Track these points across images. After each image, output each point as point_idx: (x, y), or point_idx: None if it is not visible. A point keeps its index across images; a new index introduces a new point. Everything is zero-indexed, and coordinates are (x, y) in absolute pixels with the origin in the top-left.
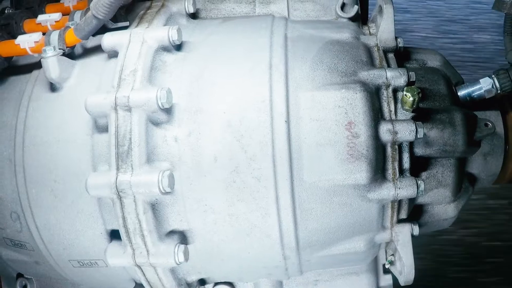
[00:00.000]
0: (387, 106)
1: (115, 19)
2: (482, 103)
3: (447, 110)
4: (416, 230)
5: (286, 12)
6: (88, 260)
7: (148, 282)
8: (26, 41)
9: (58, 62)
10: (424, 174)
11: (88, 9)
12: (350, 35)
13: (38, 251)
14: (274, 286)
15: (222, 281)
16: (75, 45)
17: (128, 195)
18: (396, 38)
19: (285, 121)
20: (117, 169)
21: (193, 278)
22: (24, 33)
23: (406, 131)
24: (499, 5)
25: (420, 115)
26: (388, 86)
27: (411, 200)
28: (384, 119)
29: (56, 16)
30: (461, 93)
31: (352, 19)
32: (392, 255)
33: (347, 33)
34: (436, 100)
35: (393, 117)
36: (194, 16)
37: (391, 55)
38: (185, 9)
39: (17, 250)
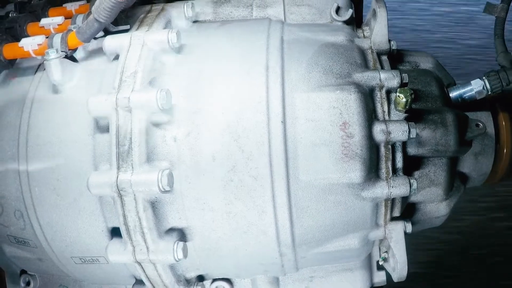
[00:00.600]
0: (381, 107)
1: (116, 22)
2: (473, 104)
3: (439, 111)
4: (409, 227)
5: (283, 15)
6: (89, 257)
7: (148, 278)
8: (29, 44)
9: (60, 64)
10: (416, 173)
11: (90, 12)
12: (345, 38)
13: (41, 248)
14: (270, 282)
15: (220, 277)
16: (77, 47)
17: (128, 194)
18: (389, 41)
19: (281, 122)
20: (118, 168)
21: (191, 274)
22: (27, 36)
23: (399, 131)
24: (489, 9)
25: (413, 115)
26: (381, 87)
27: (404, 199)
28: (378, 120)
29: (59, 19)
30: (453, 94)
31: (346, 22)
32: (386, 252)
33: (341, 36)
34: (428, 101)
35: (387, 117)
36: (193, 19)
37: (384, 58)
38: (184, 12)
39: (21, 247)
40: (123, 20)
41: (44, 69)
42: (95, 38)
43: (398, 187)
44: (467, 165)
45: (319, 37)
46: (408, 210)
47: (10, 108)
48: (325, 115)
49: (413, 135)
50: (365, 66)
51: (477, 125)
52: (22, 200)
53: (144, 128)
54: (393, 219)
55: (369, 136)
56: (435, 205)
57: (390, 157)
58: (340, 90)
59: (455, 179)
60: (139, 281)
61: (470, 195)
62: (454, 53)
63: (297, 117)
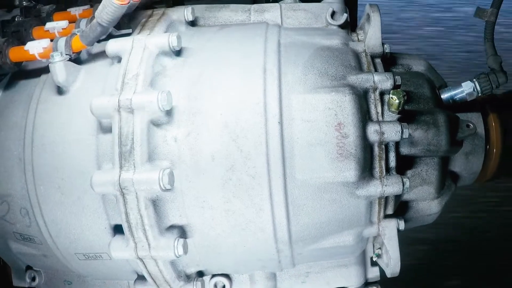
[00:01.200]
0: (375, 108)
1: (118, 26)
2: (464, 105)
3: (431, 112)
4: (401, 225)
5: (280, 20)
6: (93, 253)
7: (150, 274)
8: (35, 47)
9: (65, 67)
10: (409, 172)
11: (93, 17)
12: (340, 41)
13: (46, 245)
14: (268, 278)
15: (219, 273)
16: (81, 51)
17: (130, 192)
18: (383, 44)
19: (278, 122)
20: (120, 167)
21: (192, 270)
22: (33, 39)
23: (392, 132)
24: (480, 14)
25: (406, 116)
26: (375, 89)
27: (397, 197)
28: (372, 120)
29: (63, 23)
30: (444, 96)
31: (341, 26)
32: (379, 248)
33: (336, 39)
34: (420, 102)
35: (380, 118)
36: (193, 23)
37: (378, 60)
38: (185, 17)
39: (26, 244)
40: (125, 24)
41: (49, 72)
42: (98, 42)
43: (391, 186)
44: (458, 165)
45: (315, 40)
46: (401, 208)
47: (16, 108)
48: (320, 116)
49: (405, 135)
50: (360, 68)
51: (468, 126)
52: (28, 198)
53: (145, 128)
54: (386, 216)
55: (363, 136)
56: (427, 203)
57: (384, 156)
58: (335, 92)
59: (447, 178)
60: (141, 277)
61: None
62: None
63: (293, 118)
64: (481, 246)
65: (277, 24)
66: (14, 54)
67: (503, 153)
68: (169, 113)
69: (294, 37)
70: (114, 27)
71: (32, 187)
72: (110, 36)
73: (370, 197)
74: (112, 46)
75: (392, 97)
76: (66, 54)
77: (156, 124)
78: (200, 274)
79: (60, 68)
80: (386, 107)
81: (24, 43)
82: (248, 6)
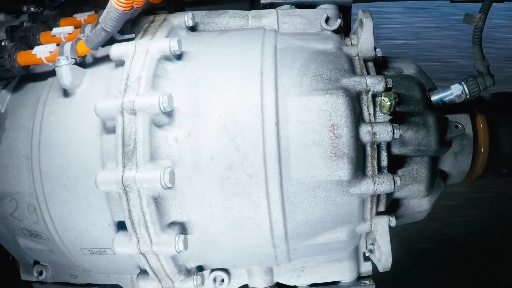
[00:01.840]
0: (367, 110)
1: (122, 31)
2: (453, 107)
3: (421, 113)
4: (393, 221)
5: (276, 25)
6: (97, 248)
7: (152, 268)
8: (42, 52)
9: (70, 70)
10: (400, 171)
11: (98, 22)
12: (334, 46)
13: (53, 241)
14: (265, 272)
15: (218, 267)
16: (86, 55)
17: (133, 190)
18: (375, 48)
19: (275, 123)
20: (124, 166)
21: (192, 265)
22: (40, 44)
23: (384, 132)
24: (468, 19)
25: (397, 118)
26: (368, 91)
27: (389, 195)
28: (364, 122)
29: (69, 29)
30: (434, 98)
31: (335, 31)
32: (372, 244)
33: (331, 44)
34: (411, 104)
35: (372, 119)
36: (193, 28)
37: (370, 64)
38: (185, 22)
39: (34, 239)
40: (128, 29)
41: (55, 75)
42: (102, 46)
43: (383, 184)
44: (447, 164)
45: (310, 45)
46: (392, 205)
47: (24, 110)
48: (315, 118)
49: (397, 135)
50: (353, 72)
51: (456, 127)
52: (35, 195)
53: (147, 129)
54: (378, 213)
55: (356, 137)
56: (418, 201)
57: (376, 156)
58: (329, 94)
59: (436, 176)
60: (143, 271)
61: None
62: None
63: (289, 119)
64: (468, 244)
65: (274, 29)
66: (22, 58)
67: (490, 153)
68: (170, 114)
69: (290, 42)
70: (118, 32)
71: (39, 185)
72: (113, 41)
73: (363, 195)
74: (116, 50)
75: (384, 99)
76: (72, 58)
77: (157, 125)
78: (200, 268)
79: (66, 71)
80: (378, 109)
81: (31, 48)
82: (246, 12)
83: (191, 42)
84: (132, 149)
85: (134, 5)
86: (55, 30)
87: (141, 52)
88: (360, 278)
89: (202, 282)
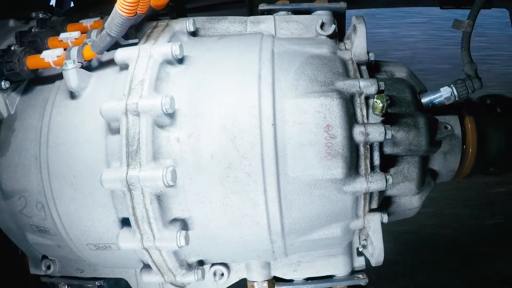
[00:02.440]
0: (360, 111)
1: (126, 36)
2: (442, 108)
3: (412, 114)
4: (385, 218)
5: (273, 30)
6: (102, 244)
7: (154, 263)
8: (50, 56)
9: (77, 74)
10: (392, 170)
11: (103, 28)
12: (328, 50)
13: (60, 236)
14: (263, 266)
15: (218, 262)
16: (92, 59)
17: (137, 188)
18: (368, 52)
19: (272, 124)
20: (127, 165)
21: (193, 259)
22: (48, 48)
23: (376, 133)
24: (457, 25)
25: (389, 119)
26: (361, 94)
27: (381, 192)
28: (358, 123)
29: (76, 34)
30: (424, 100)
31: (330, 36)
32: (365, 240)
33: (325, 48)
34: (402, 106)
35: (365, 120)
36: (194, 34)
37: (363, 67)
38: (186, 28)
39: (42, 235)
40: (132, 34)
41: (63, 78)
42: (107, 50)
43: (376, 182)
44: (437, 163)
45: (305, 49)
46: (384, 202)
47: (33, 112)
48: (310, 119)
49: (388, 136)
50: (346, 75)
51: (446, 128)
52: (43, 193)
53: (150, 130)
54: (371, 210)
55: (350, 137)
56: (409, 198)
57: (369, 155)
58: (324, 96)
59: (426, 175)
60: (146, 265)
61: None
62: None
63: (286, 120)
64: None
65: (271, 34)
66: (31, 62)
67: (478, 152)
68: (172, 116)
69: (287, 46)
70: (122, 37)
71: (47, 183)
72: (118, 45)
73: (356, 193)
74: (120, 54)
75: (376, 101)
76: (78, 62)
77: (160, 126)
78: (201, 263)
79: (72, 74)
80: (371, 111)
81: (40, 52)
82: (245, 18)
83: (192, 46)
84: (136, 149)
85: (137, 12)
86: (62, 35)
87: (144, 56)
88: (353, 272)
89: (203, 276)
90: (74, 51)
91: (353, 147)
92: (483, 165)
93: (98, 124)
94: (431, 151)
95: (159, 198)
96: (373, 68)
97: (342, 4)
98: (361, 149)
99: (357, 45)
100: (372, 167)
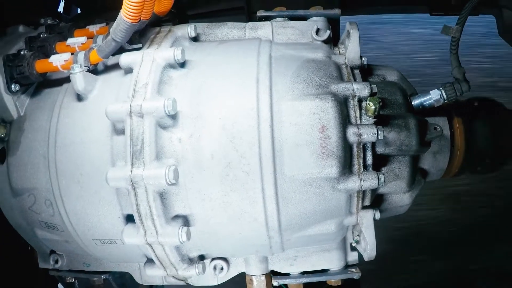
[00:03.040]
0: (354, 113)
1: (130, 41)
2: (432, 110)
3: (403, 116)
4: (377, 215)
5: (271, 36)
6: (108, 239)
7: (157, 257)
8: (57, 60)
9: (83, 77)
10: (384, 169)
11: (109, 33)
12: (323, 54)
13: (67, 232)
14: (260, 261)
15: (218, 256)
16: (98, 63)
17: (140, 186)
18: (361, 57)
19: (270, 125)
20: (132, 164)
21: (194, 254)
22: (56, 53)
23: (369, 134)
24: (446, 30)
25: (381, 120)
26: (354, 96)
27: (373, 190)
28: (351, 124)
29: (82, 39)
30: (415, 102)
31: (325, 41)
32: (358, 235)
33: (320, 53)
34: (394, 108)
35: (359, 122)
36: (195, 39)
37: (357, 71)
38: (188, 33)
39: (50, 231)
40: (136, 39)
41: (70, 81)
42: (112, 55)
43: (368, 181)
44: (426, 162)
45: (301, 54)
46: (376, 200)
47: (42, 113)
48: (306, 120)
49: (381, 136)
50: (341, 78)
51: (435, 128)
52: (52, 191)
53: (153, 130)
54: (364, 207)
55: (344, 138)
56: (400, 196)
57: (362, 155)
58: (319, 99)
59: (417, 174)
60: (149, 260)
61: None
62: None
63: (283, 121)
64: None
65: (269, 39)
66: (40, 65)
67: (466, 152)
68: (174, 117)
69: (284, 51)
70: (127, 42)
71: (55, 181)
72: (123, 50)
73: (350, 191)
74: (125, 58)
75: (369, 103)
76: (85, 66)
77: (163, 127)
78: (202, 257)
79: (79, 78)
80: (363, 112)
81: (48, 56)
82: (244, 24)
83: (193, 51)
84: (140, 149)
85: (141, 18)
86: (70, 41)
87: (148, 60)
88: (347, 266)
89: (203, 270)
90: (81, 56)
91: (347, 147)
92: (471, 164)
93: (104, 125)
94: (421, 151)
95: (162, 196)
96: (366, 72)
97: (337, 11)
98: (355, 149)
99: (351, 50)
100: (365, 166)
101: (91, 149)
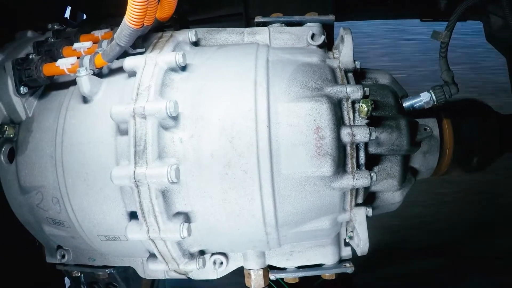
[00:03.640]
0: (347, 115)
1: (134, 46)
2: (422, 112)
3: (394, 117)
4: (370, 212)
5: (268, 40)
6: (112, 235)
7: (160, 252)
8: (64, 64)
9: (89, 80)
10: (376, 168)
11: (113, 38)
12: (318, 58)
13: (74, 228)
14: (258, 256)
15: (217, 251)
16: (103, 66)
17: (143, 184)
18: (354, 61)
19: (267, 126)
20: (135, 163)
21: (194, 249)
22: (63, 57)
23: (362, 134)
24: (435, 36)
25: (373, 121)
26: (348, 98)
27: (366, 188)
28: (345, 125)
29: (88, 44)
30: (405, 104)
31: (319, 46)
32: (351, 231)
33: (315, 57)
34: (385, 110)
35: (352, 123)
36: (196, 44)
37: (350, 74)
38: (189, 38)
39: (57, 227)
40: (139, 44)
41: (76, 84)
42: (117, 59)
43: (361, 179)
44: (417, 161)
45: (297, 58)
46: (369, 198)
47: (49, 115)
48: (302, 121)
49: (373, 137)
50: (335, 81)
51: (425, 129)
52: (58, 189)
53: (156, 131)
54: (357, 205)
55: (338, 138)
56: (391, 194)
57: (355, 155)
58: (314, 101)
59: (407, 172)
60: (152, 255)
61: None
62: None
63: (279, 122)
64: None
65: (266, 44)
66: (47, 69)
67: (455, 152)
68: (175, 118)
69: (280, 55)
70: (130, 46)
71: (62, 180)
72: (126, 54)
73: (344, 189)
74: (129, 62)
75: (361, 105)
76: (90, 69)
77: (165, 127)
78: (202, 252)
79: (85, 81)
80: (357, 114)
81: (55, 60)
82: (242, 29)
83: (194, 55)
84: (143, 149)
85: (144, 23)
86: (76, 45)
87: (150, 64)
88: (341, 261)
89: (204, 264)
90: (86, 60)
91: (340, 147)
92: (459, 163)
93: (108, 126)
94: (411, 151)
95: (164, 194)
96: (359, 75)
97: (331, 17)
98: (348, 149)
99: (345, 54)
100: (358, 166)
101: (96, 149)
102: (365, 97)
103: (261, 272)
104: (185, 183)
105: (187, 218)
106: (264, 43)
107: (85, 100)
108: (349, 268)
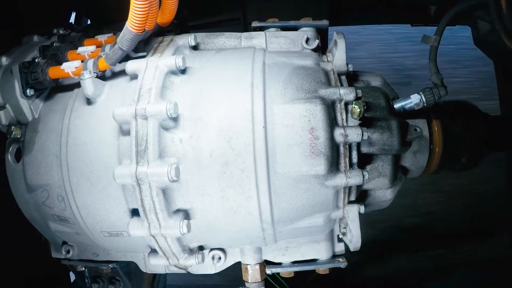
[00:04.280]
0: (340, 116)
1: (136, 50)
2: (412, 113)
3: (386, 118)
4: (362, 209)
5: (265, 44)
6: (115, 231)
7: (160, 248)
8: (69, 67)
9: (93, 83)
10: (368, 167)
11: (116, 42)
12: (313, 62)
13: (78, 225)
14: (255, 251)
15: (216, 247)
16: (106, 70)
17: (145, 183)
18: (347, 64)
19: (263, 127)
20: (137, 163)
21: (194, 245)
22: (67, 60)
23: (354, 134)
24: (425, 40)
25: (365, 122)
26: (341, 100)
27: (359, 187)
28: (338, 125)
29: (92, 48)
30: (396, 105)
31: (314, 50)
32: (344, 228)
33: (310, 60)
34: (377, 111)
35: (345, 124)
36: (195, 48)
37: (343, 77)
38: (189, 42)
39: (62, 224)
40: (141, 48)
41: (80, 86)
42: (119, 62)
43: (354, 178)
44: (407, 161)
45: (292, 61)
46: (361, 195)
47: (54, 116)
48: (297, 122)
49: (365, 137)
50: (328, 84)
51: (415, 130)
52: (63, 187)
53: (157, 132)
54: (350, 202)
55: (331, 138)
56: (383, 192)
57: (348, 154)
58: (308, 102)
59: (398, 171)
60: (153, 250)
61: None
62: None
63: (275, 123)
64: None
65: (263, 48)
66: (53, 72)
67: (444, 151)
68: (176, 119)
69: (276, 59)
70: (132, 50)
71: (66, 178)
72: (129, 58)
73: (337, 187)
74: (131, 65)
75: (354, 107)
76: (94, 72)
77: (165, 128)
78: (201, 248)
79: (89, 83)
80: (349, 115)
81: (60, 64)
82: (239, 34)
83: (193, 59)
84: (144, 149)
85: (146, 28)
86: (80, 49)
87: (151, 67)
88: (334, 256)
89: (203, 259)
90: (90, 63)
91: (334, 147)
92: (448, 163)
93: (111, 126)
94: (402, 150)
95: (164, 192)
96: (351, 78)
97: (325, 22)
98: (341, 148)
99: (338, 57)
100: (351, 165)
101: (99, 148)
102: (357, 98)
103: (257, 267)
104: (184, 181)
105: (186, 215)
106: (260, 47)
107: (89, 102)
108: (342, 263)
